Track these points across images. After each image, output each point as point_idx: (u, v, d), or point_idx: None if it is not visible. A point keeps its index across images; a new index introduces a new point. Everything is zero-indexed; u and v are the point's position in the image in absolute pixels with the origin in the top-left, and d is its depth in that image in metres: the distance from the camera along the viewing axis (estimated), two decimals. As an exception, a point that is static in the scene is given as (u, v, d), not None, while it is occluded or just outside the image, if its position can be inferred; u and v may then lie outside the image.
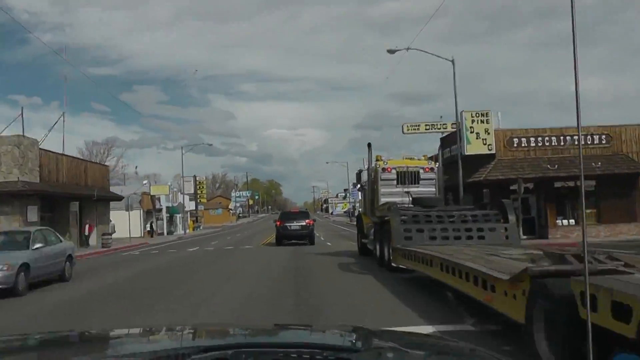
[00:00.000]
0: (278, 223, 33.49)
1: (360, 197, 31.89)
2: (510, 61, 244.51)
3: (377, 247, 19.50)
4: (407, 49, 30.72)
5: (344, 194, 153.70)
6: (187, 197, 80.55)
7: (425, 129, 42.01)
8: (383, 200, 20.61)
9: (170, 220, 70.74)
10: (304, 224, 33.32)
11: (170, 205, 67.60)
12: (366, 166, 25.63)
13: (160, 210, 65.24)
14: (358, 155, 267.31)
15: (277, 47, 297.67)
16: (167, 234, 66.17)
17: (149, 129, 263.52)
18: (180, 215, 71.99)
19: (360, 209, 34.64)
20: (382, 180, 21.56)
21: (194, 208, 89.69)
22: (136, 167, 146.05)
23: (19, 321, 12.01)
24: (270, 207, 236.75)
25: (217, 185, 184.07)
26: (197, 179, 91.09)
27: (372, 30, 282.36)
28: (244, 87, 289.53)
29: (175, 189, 72.72)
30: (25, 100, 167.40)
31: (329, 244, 35.74)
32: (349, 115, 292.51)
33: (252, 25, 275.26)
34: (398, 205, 18.00)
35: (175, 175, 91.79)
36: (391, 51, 30.83)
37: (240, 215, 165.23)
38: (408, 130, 41.10)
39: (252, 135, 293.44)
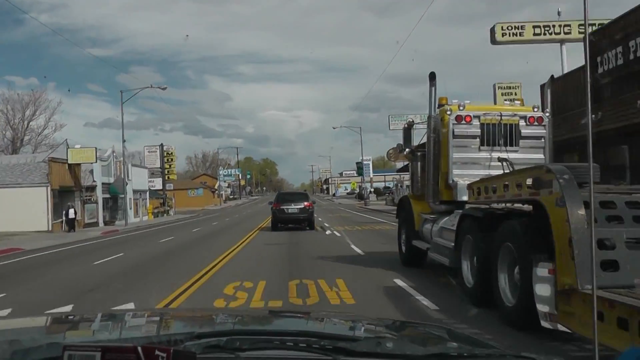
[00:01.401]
0: (274, 205, 30.06)
1: (410, 169, 16.94)
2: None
3: (473, 272, 9.31)
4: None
5: (354, 170, 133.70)
6: (145, 172, 59.59)
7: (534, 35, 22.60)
8: (456, 173, 11.59)
9: (115, 204, 49.69)
10: (303, 206, 29.46)
11: (120, 182, 46.44)
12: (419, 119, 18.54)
13: (92, 188, 44.16)
14: (355, 137, 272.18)
15: (274, 28, 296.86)
16: (106, 223, 45.26)
17: (146, 111, 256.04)
18: (129, 197, 50.86)
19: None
20: (454, 137, 11.76)
21: (161, 187, 68.78)
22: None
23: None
24: (264, 188, 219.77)
25: (208, 164, 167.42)
26: (165, 148, 70.01)
27: (369, 11, 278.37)
28: (241, 68, 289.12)
29: (127, 159, 51.64)
30: (22, 81, 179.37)
31: (352, 245, 21.00)
32: (346, 97, 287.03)
33: (250, 6, 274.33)
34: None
35: (146, 146, 70.41)
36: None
37: (231, 197, 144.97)
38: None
39: (249, 117, 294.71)
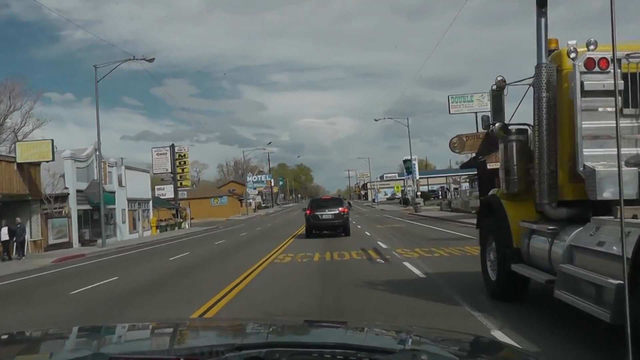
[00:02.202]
0: (308, 212, 29.10)
1: (503, 155, 9.81)
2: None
3: None
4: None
5: (395, 173, 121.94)
6: (147, 177, 48.90)
7: None
8: (589, 153, 7.53)
9: (107, 218, 38.94)
10: (338, 212, 28.25)
11: (96, 189, 35.66)
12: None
13: (63, 198, 33.38)
14: (390, 142, 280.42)
15: (307, 36, 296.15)
16: (84, 243, 34.49)
17: (181, 122, 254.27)
18: (121, 207, 40.16)
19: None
20: (584, 94, 7.53)
21: (173, 196, 58.11)
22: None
23: None
24: (299, 195, 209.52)
25: (241, 172, 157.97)
26: (177, 149, 59.37)
27: (401, 15, 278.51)
28: (275, 77, 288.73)
29: (112, 161, 41.06)
30: (58, 97, 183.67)
31: (415, 270, 13.82)
32: (380, 102, 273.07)
33: (283, 15, 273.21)
34: None
35: (154, 148, 59.83)
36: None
37: (262, 205, 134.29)
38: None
39: (284, 125, 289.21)
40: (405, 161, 68.07)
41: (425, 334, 2.67)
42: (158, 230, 49.44)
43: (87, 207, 36.41)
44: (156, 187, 60.44)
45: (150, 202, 48.62)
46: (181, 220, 58.09)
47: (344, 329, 3.01)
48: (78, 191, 34.78)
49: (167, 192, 58.92)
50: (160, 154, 59.10)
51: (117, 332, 2.94)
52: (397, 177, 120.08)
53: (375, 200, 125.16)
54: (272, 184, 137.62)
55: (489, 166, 35.85)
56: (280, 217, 72.19)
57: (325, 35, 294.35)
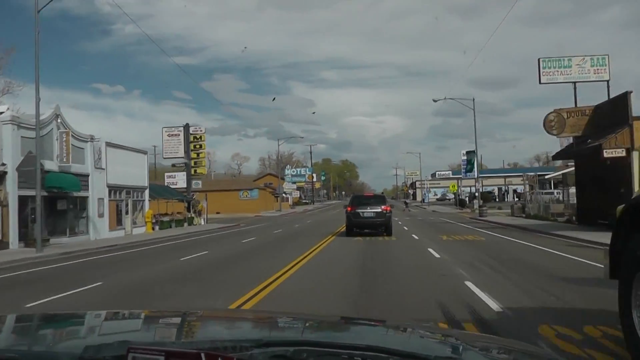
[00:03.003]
0: (348, 209, 27.57)
1: None
2: (595, 43, 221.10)
3: None
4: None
5: (448, 171, 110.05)
6: (142, 159, 38.90)
7: None
8: None
9: (75, 209, 29.23)
10: (380, 210, 26.75)
11: (32, 166, 25.75)
12: None
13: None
14: (438, 142, 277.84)
15: (358, 33, 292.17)
16: (29, 244, 24.60)
17: (230, 117, 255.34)
18: (96, 196, 30.18)
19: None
20: None
21: (186, 186, 48.12)
22: None
23: None
24: (343, 192, 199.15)
25: (283, 166, 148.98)
26: (192, 130, 49.34)
27: (454, 13, 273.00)
28: (325, 74, 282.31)
29: (92, 139, 31.16)
30: (108, 89, 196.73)
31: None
32: (429, 102, 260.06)
33: (334, 12, 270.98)
34: None
35: (164, 128, 49.89)
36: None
37: (303, 201, 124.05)
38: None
39: (332, 123, 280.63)
40: (467, 153, 56.07)
41: (475, 341, 2.47)
42: (157, 227, 39.40)
43: (45, 192, 26.41)
44: (166, 174, 50.52)
45: (147, 192, 38.53)
46: (193, 215, 47.98)
47: (380, 327, 2.79)
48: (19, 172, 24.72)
49: (179, 180, 48.92)
50: (172, 135, 49.17)
51: (138, 319, 2.88)
52: (451, 176, 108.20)
53: (425, 201, 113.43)
54: (314, 179, 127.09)
55: (608, 153, 24.44)
56: (316, 216, 61.64)
57: (376, 33, 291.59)
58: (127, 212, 35.59)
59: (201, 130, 49.35)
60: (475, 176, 55.39)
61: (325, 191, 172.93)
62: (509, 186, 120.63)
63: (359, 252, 18.31)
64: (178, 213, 45.98)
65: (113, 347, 1.75)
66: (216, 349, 1.76)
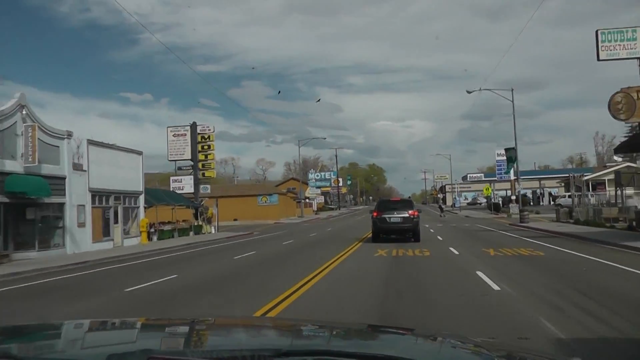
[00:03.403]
0: (375, 214, 26.61)
1: None
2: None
3: None
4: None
5: (480, 173, 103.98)
6: (137, 160, 34.33)
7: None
8: None
9: (50, 217, 24.89)
10: (407, 215, 25.76)
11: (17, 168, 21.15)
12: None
13: None
14: (467, 146, 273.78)
15: (385, 38, 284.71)
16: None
17: (257, 123, 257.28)
18: (74, 203, 25.66)
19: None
20: None
21: (193, 190, 43.64)
22: None
23: None
24: (371, 197, 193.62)
25: (304, 170, 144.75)
26: (200, 129, 44.81)
27: (481, 16, 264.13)
28: (352, 79, 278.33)
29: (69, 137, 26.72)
30: (137, 97, 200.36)
31: None
32: (457, 105, 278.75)
33: (361, 17, 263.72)
34: None
35: (170, 127, 45.38)
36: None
37: (329, 206, 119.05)
38: None
39: (360, 128, 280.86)
40: (507, 150, 50.15)
41: (510, 352, 2.34)
42: (155, 237, 34.77)
43: (6, 198, 21.95)
44: (171, 178, 45.99)
45: (142, 197, 33.87)
46: (201, 222, 43.32)
47: (410, 337, 2.68)
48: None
49: (186, 184, 44.35)
50: (178, 134, 44.63)
51: (159, 328, 2.89)
52: (484, 178, 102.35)
53: (456, 205, 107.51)
54: (340, 184, 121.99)
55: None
56: (338, 223, 56.60)
57: (403, 37, 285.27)
58: (116, 221, 30.98)
59: (209, 129, 44.68)
60: (515, 176, 49.63)
61: (351, 196, 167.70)
62: (544, 189, 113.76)
63: (382, 280, 13.19)
64: (183, 221, 41.35)
65: (135, 356, 1.79)
66: (234, 358, 1.80)
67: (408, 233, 25.74)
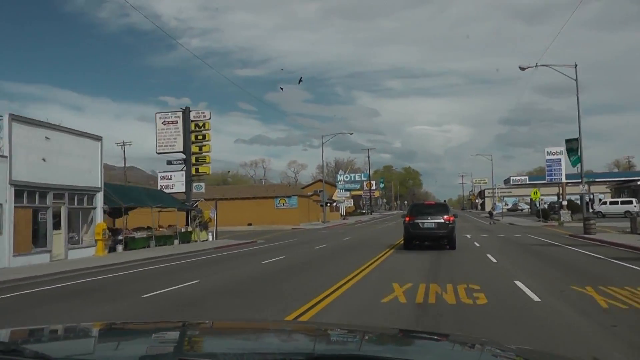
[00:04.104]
0: (407, 219, 24.76)
1: None
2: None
3: None
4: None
5: (524, 176, 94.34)
6: (91, 147, 26.76)
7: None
8: None
9: None
10: (442, 220, 23.82)
11: None
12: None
13: None
14: (504, 151, 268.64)
15: (423, 42, 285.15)
16: None
17: (295, 127, 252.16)
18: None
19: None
20: None
21: (184, 189, 36.24)
22: None
23: None
24: (406, 202, 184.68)
25: (332, 171, 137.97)
26: (193, 117, 37.29)
27: (519, 19, 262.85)
28: (389, 83, 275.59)
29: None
30: (175, 101, 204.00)
31: None
32: (495, 110, 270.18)
33: (399, 21, 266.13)
34: None
35: (158, 113, 37.93)
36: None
37: (360, 211, 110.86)
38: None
39: (397, 132, 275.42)
40: (568, 141, 40.39)
41: (529, 354, 2.33)
42: (119, 247, 27.29)
43: None
44: (159, 174, 38.46)
45: (99, 196, 26.29)
46: (196, 228, 35.77)
47: (446, 344, 2.60)
48: None
49: (176, 182, 36.86)
50: (168, 122, 37.20)
51: (190, 330, 2.84)
52: (528, 182, 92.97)
53: (495, 211, 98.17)
54: (373, 187, 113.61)
55: None
56: (363, 230, 48.55)
57: (440, 41, 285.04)
58: (58, 227, 23.52)
59: (205, 116, 37.05)
60: (580, 173, 40.73)
61: (385, 200, 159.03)
62: (594, 194, 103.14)
63: None
64: (169, 226, 33.80)
65: (166, 358, 1.81)
66: None
67: (443, 240, 23.89)
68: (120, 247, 27.47)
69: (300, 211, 64.16)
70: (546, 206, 67.68)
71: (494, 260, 18.03)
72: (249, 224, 61.01)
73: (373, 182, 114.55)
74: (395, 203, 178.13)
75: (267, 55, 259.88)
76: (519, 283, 12.35)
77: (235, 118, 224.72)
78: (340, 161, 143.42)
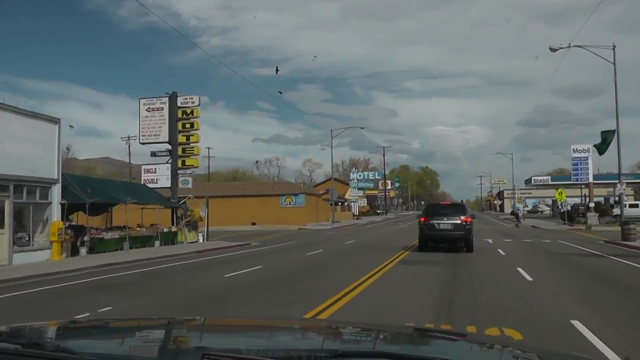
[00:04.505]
0: (422, 219, 23.68)
1: None
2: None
3: None
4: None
5: (546, 176, 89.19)
6: (32, 127, 22.74)
7: None
8: None
9: None
10: (459, 221, 22.75)
11: None
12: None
13: None
14: (522, 153, 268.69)
15: (443, 43, 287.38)
16: None
17: (314, 127, 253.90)
18: None
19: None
20: None
21: (170, 184, 32.34)
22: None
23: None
24: (422, 202, 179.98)
25: (346, 168, 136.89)
26: (181, 102, 33.36)
27: (539, 20, 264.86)
28: (408, 84, 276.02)
29: None
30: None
31: None
32: (514, 111, 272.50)
33: (419, 22, 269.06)
34: None
35: (142, 99, 33.97)
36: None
37: (376, 211, 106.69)
38: None
39: (415, 133, 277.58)
40: (604, 132, 35.22)
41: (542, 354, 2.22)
42: (83, 250, 23.39)
43: None
44: (143, 167, 34.54)
45: (56, 189, 22.33)
46: (185, 228, 31.86)
47: (464, 343, 2.56)
48: None
49: (161, 176, 32.93)
50: (153, 109, 33.30)
51: (212, 327, 2.87)
52: (550, 182, 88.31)
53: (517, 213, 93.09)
54: (389, 187, 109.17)
55: None
56: (373, 232, 44.39)
57: (460, 42, 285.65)
58: (1, 225, 19.63)
59: (193, 102, 33.01)
60: (618, 172, 35.97)
61: (401, 200, 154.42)
62: (619, 196, 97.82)
63: None
64: (151, 225, 29.89)
65: (189, 353, 1.78)
66: (291, 359, 1.76)
67: (459, 242, 23.07)
68: (83, 250, 23.57)
69: (308, 210, 60.00)
70: (569, 208, 62.82)
71: (529, 279, 13.73)
72: (253, 224, 57.06)
73: (388, 182, 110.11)
74: (411, 203, 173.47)
75: (286, 55, 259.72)
76: (578, 324, 8.08)
77: (254, 117, 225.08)
78: (355, 160, 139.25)
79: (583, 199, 71.38)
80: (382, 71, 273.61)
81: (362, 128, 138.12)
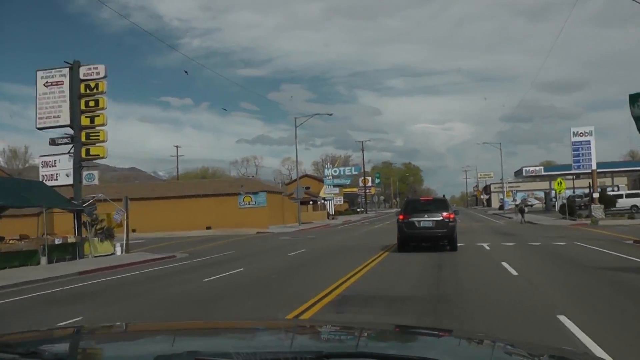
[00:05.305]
0: (401, 217, 22.32)
1: None
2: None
3: None
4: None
5: (539, 166, 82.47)
6: None
7: None
8: None
9: None
10: (440, 218, 21.63)
11: None
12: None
13: None
14: (507, 147, 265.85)
15: (426, 41, 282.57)
16: None
17: (298, 127, 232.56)
18: None
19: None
20: None
21: (72, 181, 24.51)
22: None
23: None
24: (405, 199, 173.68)
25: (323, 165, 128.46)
26: (84, 73, 25.43)
27: (522, 17, 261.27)
28: (392, 82, 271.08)
29: None
30: (178, 102, 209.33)
31: None
32: (498, 108, 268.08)
33: (401, 20, 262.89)
34: None
35: (39, 70, 26.23)
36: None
37: (356, 209, 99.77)
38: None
39: (399, 131, 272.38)
40: (632, 96, 27.42)
41: (533, 351, 2.24)
42: None
43: None
44: (41, 159, 26.95)
45: None
46: (93, 237, 24.48)
47: (450, 339, 2.56)
48: None
49: (61, 171, 25.45)
50: (52, 83, 25.81)
51: (203, 330, 2.87)
52: (543, 173, 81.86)
53: (505, 208, 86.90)
54: (369, 184, 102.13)
55: None
56: (339, 235, 37.39)
57: (443, 40, 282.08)
58: None
59: (98, 73, 25.42)
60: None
61: (383, 198, 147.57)
62: (618, 186, 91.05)
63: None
64: (45, 235, 22.43)
65: (182, 357, 1.79)
66: None
67: (442, 240, 21.62)
68: None
69: (270, 211, 52.46)
70: (564, 201, 55.58)
71: (588, 341, 6.51)
72: (208, 228, 49.58)
73: (369, 179, 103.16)
74: (394, 201, 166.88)
75: (270, 55, 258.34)
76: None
77: (238, 118, 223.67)
78: (336, 158, 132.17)
79: (575, 190, 64.97)
80: (365, 70, 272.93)
81: (330, 115, 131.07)
